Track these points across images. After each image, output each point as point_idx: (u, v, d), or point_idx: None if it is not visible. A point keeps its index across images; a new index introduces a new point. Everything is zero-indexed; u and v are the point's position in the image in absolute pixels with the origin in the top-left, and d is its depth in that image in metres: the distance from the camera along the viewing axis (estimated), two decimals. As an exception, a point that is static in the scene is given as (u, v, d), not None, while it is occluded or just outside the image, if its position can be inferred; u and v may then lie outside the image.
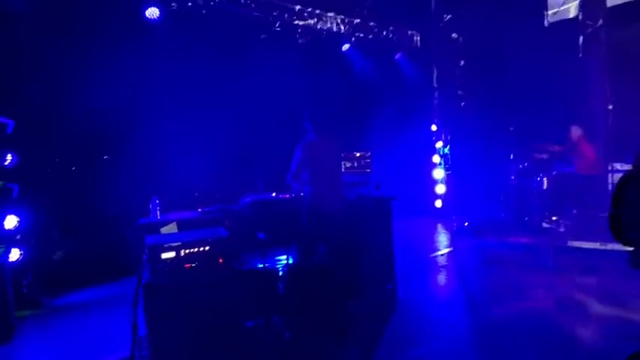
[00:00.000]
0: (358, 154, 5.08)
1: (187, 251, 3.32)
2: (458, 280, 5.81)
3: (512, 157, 8.15)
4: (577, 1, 8.50)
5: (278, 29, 8.03)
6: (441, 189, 10.59)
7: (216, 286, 3.44)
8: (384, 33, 10.18)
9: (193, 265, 3.34)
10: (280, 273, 4.52)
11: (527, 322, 4.19)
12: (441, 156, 10.62)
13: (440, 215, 10.41)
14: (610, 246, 6.04)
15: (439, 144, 10.62)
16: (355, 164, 4.99)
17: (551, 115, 8.15)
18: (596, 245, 6.29)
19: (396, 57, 10.79)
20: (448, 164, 10.46)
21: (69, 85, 6.00)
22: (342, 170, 4.76)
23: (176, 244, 3.29)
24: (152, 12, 6.89)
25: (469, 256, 6.94)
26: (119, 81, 6.02)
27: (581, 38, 8.37)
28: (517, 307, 4.60)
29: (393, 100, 10.25)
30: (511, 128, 8.32)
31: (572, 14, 8.66)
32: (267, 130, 6.27)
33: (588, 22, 8.35)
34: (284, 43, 7.96)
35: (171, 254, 3.27)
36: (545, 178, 7.55)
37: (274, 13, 7.92)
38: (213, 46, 6.78)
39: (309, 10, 8.56)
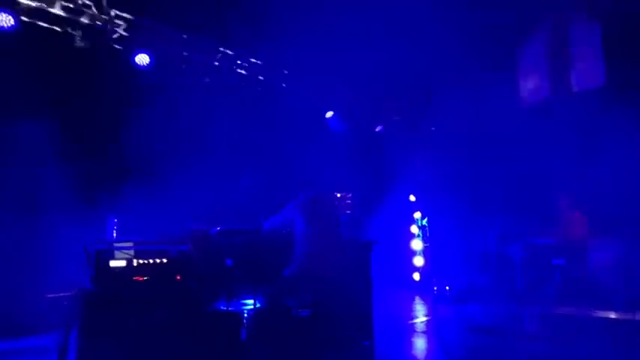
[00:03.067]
0: (339, 195, 4.88)
1: (141, 262, 2.91)
2: (437, 346, 5.50)
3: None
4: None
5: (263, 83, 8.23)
6: (419, 261, 10.27)
7: (169, 307, 2.98)
8: (364, 106, 10.50)
9: (146, 278, 2.91)
10: (245, 316, 4.07)
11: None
12: (419, 227, 10.45)
13: (418, 288, 9.99)
14: (597, 313, 5.75)
15: (417, 214, 10.50)
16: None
17: (528, 185, 8.22)
18: (582, 312, 5.99)
19: (377, 129, 11.03)
20: (426, 236, 10.26)
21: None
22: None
23: (129, 251, 2.89)
24: (142, 59, 6.96)
25: (450, 323, 6.62)
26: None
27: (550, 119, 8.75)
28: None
29: (371, 170, 10.28)
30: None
31: (540, 95, 9.14)
32: (233, 167, 6.15)
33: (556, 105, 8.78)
34: (265, 99, 8.09)
35: (121, 263, 2.85)
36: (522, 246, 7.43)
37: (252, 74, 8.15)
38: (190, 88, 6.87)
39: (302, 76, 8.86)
